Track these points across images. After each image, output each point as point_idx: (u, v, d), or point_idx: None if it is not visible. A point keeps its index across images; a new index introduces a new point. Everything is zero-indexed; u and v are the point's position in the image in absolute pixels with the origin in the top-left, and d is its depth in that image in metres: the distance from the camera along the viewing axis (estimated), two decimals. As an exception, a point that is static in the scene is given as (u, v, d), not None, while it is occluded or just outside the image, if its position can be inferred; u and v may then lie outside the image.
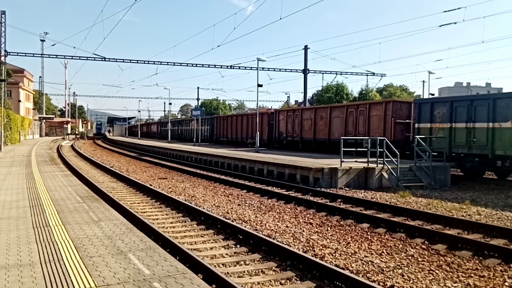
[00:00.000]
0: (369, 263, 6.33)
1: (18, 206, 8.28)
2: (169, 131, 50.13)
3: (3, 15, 37.76)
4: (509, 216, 9.71)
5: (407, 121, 19.34)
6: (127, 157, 30.39)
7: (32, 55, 40.70)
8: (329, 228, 8.65)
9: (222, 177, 16.96)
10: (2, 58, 37.23)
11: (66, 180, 12.68)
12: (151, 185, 14.46)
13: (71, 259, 4.94)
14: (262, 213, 10.05)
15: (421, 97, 55.45)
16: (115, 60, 41.15)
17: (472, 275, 5.88)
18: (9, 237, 5.90)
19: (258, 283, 5.52)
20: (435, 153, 16.27)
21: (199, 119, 41.34)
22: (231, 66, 43.70)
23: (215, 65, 44.11)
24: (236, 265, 6.27)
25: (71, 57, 42.48)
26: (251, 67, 44.04)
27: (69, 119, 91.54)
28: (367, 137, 17.45)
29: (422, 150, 15.41)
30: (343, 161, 14.56)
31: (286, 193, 12.89)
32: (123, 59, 41.75)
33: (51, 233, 6.15)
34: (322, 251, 6.92)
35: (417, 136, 15.84)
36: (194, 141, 38.77)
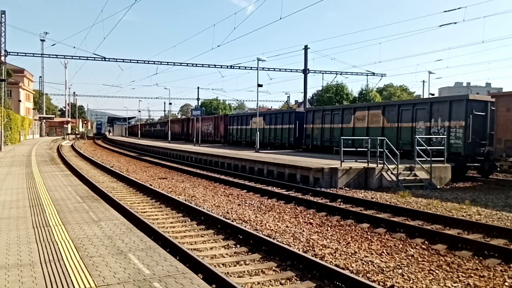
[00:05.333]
0: (369, 263, 6.33)
1: (18, 206, 8.28)
2: (169, 131, 50.02)
3: (3, 15, 37.77)
4: (509, 216, 9.71)
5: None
6: (127, 157, 30.40)
7: (32, 55, 40.70)
8: (329, 228, 8.65)
9: (222, 177, 16.97)
10: (2, 58, 37.23)
11: (66, 180, 12.67)
12: (151, 185, 14.46)
13: (71, 259, 4.94)
14: (262, 213, 10.05)
15: (421, 97, 55.52)
16: (115, 60, 41.16)
17: (472, 275, 5.88)
18: (9, 237, 5.90)
19: (258, 283, 5.51)
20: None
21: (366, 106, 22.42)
22: (231, 66, 43.69)
23: (215, 65, 44.11)
24: (236, 265, 6.27)
25: (71, 57, 42.50)
26: (251, 67, 44.03)
27: (69, 119, 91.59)
28: (367, 137, 17.46)
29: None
30: (343, 161, 14.57)
31: (286, 193, 12.89)
32: (123, 59, 41.77)
33: (51, 233, 6.15)
34: (322, 251, 6.92)
35: (416, 137, 15.83)
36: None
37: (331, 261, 6.35)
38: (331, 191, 12.81)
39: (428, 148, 15.09)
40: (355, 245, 7.39)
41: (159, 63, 43.34)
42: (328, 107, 26.60)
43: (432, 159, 14.83)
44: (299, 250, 6.75)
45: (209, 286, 4.25)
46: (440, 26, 29.08)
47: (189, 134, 47.83)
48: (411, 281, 5.58)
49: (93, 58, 39.40)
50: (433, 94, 48.80)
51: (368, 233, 8.31)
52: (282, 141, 28.97)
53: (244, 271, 5.93)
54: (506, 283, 5.59)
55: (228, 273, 5.78)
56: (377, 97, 65.20)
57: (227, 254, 6.83)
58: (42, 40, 68.77)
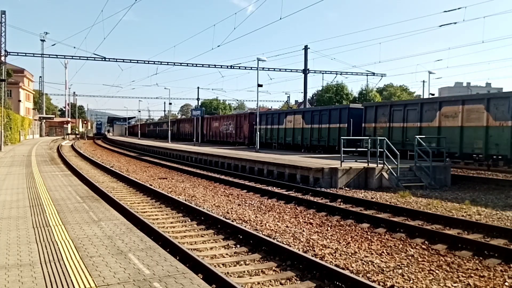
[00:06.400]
0: (369, 263, 6.33)
1: (18, 206, 8.28)
2: (169, 131, 49.90)
3: (3, 15, 37.77)
4: (509, 216, 9.71)
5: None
6: (127, 157, 30.40)
7: (32, 55, 40.65)
8: (329, 228, 8.65)
9: (222, 177, 16.97)
10: (2, 58, 37.23)
11: (66, 180, 12.67)
12: (151, 185, 14.46)
13: (71, 259, 4.94)
14: (262, 213, 10.05)
15: (421, 97, 55.59)
16: (115, 60, 41.11)
17: (472, 275, 5.88)
18: (9, 237, 5.90)
19: (258, 283, 5.51)
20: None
21: None
22: (231, 66, 43.63)
23: (215, 65, 44.07)
24: (236, 265, 6.27)
25: (71, 57, 42.43)
26: (251, 67, 43.98)
27: (69, 119, 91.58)
28: (367, 137, 17.46)
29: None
30: (343, 161, 14.57)
31: (286, 193, 12.89)
32: (123, 59, 41.67)
33: (51, 233, 6.15)
34: (322, 251, 6.92)
35: (417, 137, 15.84)
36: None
37: (331, 261, 6.35)
38: (331, 191, 12.80)
39: (428, 148, 15.11)
40: (355, 245, 7.39)
41: (159, 63, 43.33)
42: (400, 102, 21.62)
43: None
44: (299, 250, 6.75)
45: (209, 286, 4.25)
46: (440, 26, 29.00)
47: (203, 134, 43.80)
48: (411, 281, 5.58)
49: (93, 58, 39.38)
50: (433, 94, 48.77)
51: (368, 233, 8.31)
52: (329, 143, 23.72)
53: (244, 271, 5.93)
54: (506, 283, 5.59)
55: (228, 273, 5.78)
56: (377, 97, 65.23)
57: (227, 254, 6.82)
58: (42, 40, 68.95)
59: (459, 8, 23.72)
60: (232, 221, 8.90)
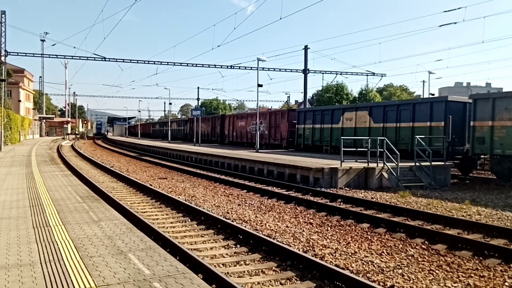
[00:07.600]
0: (369, 263, 6.33)
1: (18, 206, 8.28)
2: (169, 130, 49.78)
3: (3, 15, 37.77)
4: (509, 216, 9.71)
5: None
6: (127, 157, 30.40)
7: (32, 55, 40.60)
8: (329, 228, 8.65)
9: (222, 177, 16.97)
10: (2, 58, 37.23)
11: (66, 180, 12.67)
12: (151, 185, 14.46)
13: (71, 259, 4.94)
14: (262, 213, 10.05)
15: (421, 97, 55.59)
16: (115, 60, 41.07)
17: (472, 275, 5.88)
18: (9, 237, 5.90)
19: (258, 283, 5.52)
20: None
21: None
22: (231, 66, 43.58)
23: (215, 65, 44.02)
24: (236, 265, 6.27)
25: (71, 57, 42.38)
26: (251, 67, 43.94)
27: (69, 119, 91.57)
28: (367, 137, 17.45)
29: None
30: (343, 161, 14.57)
31: (286, 193, 12.89)
32: (123, 59, 41.60)
33: (51, 233, 6.15)
34: (322, 251, 6.93)
35: (417, 136, 15.84)
36: None
37: (331, 261, 6.36)
38: (331, 191, 12.81)
39: (428, 148, 15.11)
40: (355, 245, 7.40)
41: (159, 63, 43.29)
42: None
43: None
44: (299, 250, 6.76)
45: (209, 286, 4.25)
46: (440, 26, 28.98)
47: (223, 135, 38.95)
48: (411, 281, 5.58)
49: (93, 58, 39.34)
50: (433, 94, 48.77)
51: (368, 233, 8.31)
52: (412, 147, 17.38)
53: (244, 271, 5.94)
54: (506, 283, 5.59)
55: (228, 273, 5.78)
56: (377, 97, 65.24)
57: (227, 254, 6.83)
58: (42, 40, 68.92)
59: (459, 8, 23.70)
60: (232, 221, 8.91)
